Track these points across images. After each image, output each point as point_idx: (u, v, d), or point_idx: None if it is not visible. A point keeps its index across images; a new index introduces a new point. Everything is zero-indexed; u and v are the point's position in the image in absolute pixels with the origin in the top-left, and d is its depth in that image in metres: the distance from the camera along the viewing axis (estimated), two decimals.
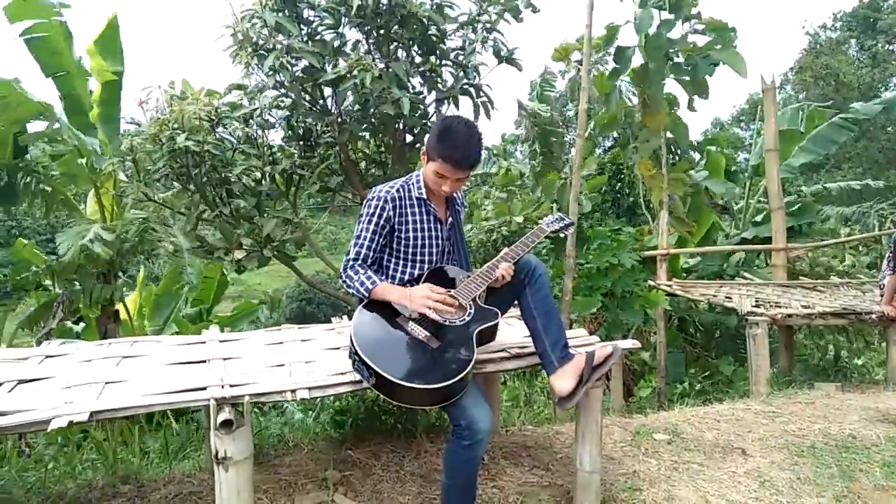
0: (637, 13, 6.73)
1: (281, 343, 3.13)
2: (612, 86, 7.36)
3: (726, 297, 6.16)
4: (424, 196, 2.69)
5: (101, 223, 7.39)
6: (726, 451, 3.55)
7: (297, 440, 3.67)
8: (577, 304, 5.80)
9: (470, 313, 2.54)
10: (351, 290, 2.61)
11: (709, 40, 6.76)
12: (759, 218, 9.35)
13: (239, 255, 5.79)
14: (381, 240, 2.64)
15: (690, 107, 7.15)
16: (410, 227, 2.67)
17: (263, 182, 5.63)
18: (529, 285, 2.69)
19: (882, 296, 5.70)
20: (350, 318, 3.76)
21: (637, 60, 7.04)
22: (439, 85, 5.37)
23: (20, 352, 2.98)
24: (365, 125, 5.40)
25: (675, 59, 6.90)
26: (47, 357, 2.89)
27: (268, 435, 3.86)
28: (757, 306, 5.64)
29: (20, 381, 2.53)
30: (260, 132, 5.62)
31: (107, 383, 2.49)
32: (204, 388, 2.40)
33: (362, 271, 2.59)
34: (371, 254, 2.63)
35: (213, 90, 5.63)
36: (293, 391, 2.43)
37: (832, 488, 3.15)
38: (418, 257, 2.71)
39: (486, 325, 2.53)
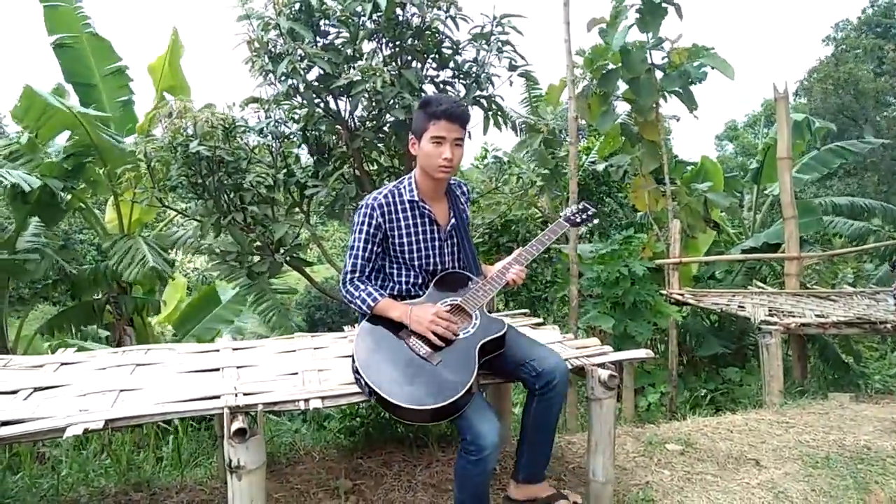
0: (616, 36, 6.78)
1: (293, 351, 3.14)
2: (606, 105, 7.38)
3: (739, 307, 6.12)
4: (416, 198, 2.61)
5: (144, 237, 7.52)
6: (740, 462, 3.52)
7: (309, 449, 3.67)
8: (593, 319, 5.77)
9: (475, 324, 2.49)
10: (352, 306, 2.58)
11: (694, 50, 6.82)
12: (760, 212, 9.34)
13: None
14: (375, 248, 2.59)
15: (691, 111, 7.18)
16: (403, 231, 2.60)
17: (276, 190, 5.67)
18: (541, 396, 2.55)
19: None
20: None
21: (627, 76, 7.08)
22: (451, 95, 5.39)
23: (36, 359, 3.01)
24: (378, 134, 5.42)
25: (666, 72, 6.95)
26: (62, 364, 2.92)
27: (279, 443, 3.87)
28: (771, 315, 5.60)
29: (35, 389, 2.56)
30: (274, 142, 5.67)
31: (121, 391, 2.51)
32: (218, 397, 2.41)
33: (362, 286, 2.55)
34: (368, 264, 2.60)
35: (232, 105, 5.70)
36: (306, 400, 2.44)
37: (847, 500, 3.12)
38: (416, 262, 2.64)
39: (489, 339, 2.47)
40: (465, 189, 2.87)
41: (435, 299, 2.59)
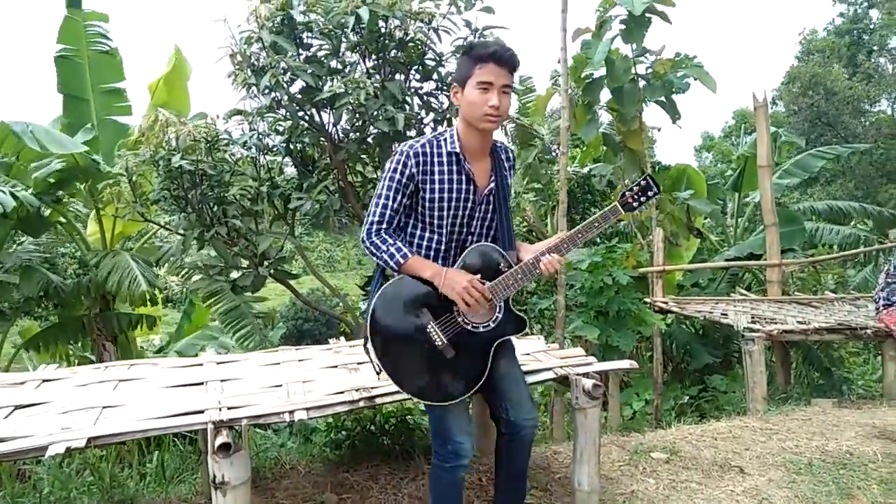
0: (599, 47, 6.85)
1: (278, 364, 3.14)
2: (590, 115, 7.44)
3: (722, 314, 6.16)
4: (458, 150, 2.35)
5: (132, 254, 7.50)
6: (724, 470, 3.55)
7: (294, 463, 3.65)
8: (578, 329, 5.79)
9: (497, 317, 2.34)
10: (376, 260, 2.36)
11: (678, 60, 6.90)
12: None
13: (235, 274, 5.82)
14: (404, 199, 2.34)
15: (674, 120, 7.25)
16: (437, 185, 2.33)
17: (260, 202, 5.66)
18: (509, 439, 2.48)
19: (877, 310, 5.71)
20: (346, 338, 3.77)
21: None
22: (435, 106, 5.42)
23: (17, 376, 2.97)
24: (362, 146, 5.43)
25: (650, 82, 7.02)
26: (44, 381, 2.89)
27: (265, 458, 3.84)
28: (753, 322, 5.65)
29: (17, 407, 2.53)
30: (258, 155, 5.67)
31: (104, 408, 2.50)
32: (202, 412, 2.40)
33: (390, 240, 2.32)
34: (396, 216, 2.35)
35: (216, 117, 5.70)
36: (291, 412, 2.44)
37: None
38: (444, 222, 2.36)
39: (507, 338, 2.40)
40: (510, 154, 2.56)
41: None
